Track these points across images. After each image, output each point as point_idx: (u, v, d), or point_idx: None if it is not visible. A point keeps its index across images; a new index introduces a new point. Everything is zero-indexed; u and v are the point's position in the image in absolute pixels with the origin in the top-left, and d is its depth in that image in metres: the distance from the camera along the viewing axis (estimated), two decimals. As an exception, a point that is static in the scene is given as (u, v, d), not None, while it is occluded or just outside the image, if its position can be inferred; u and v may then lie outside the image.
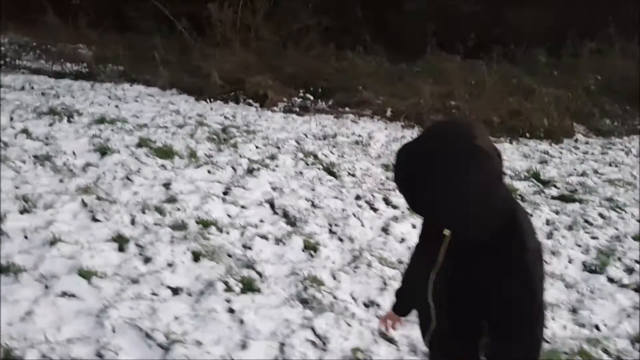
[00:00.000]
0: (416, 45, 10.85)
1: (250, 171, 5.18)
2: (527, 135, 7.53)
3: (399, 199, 4.65)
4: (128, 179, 4.71)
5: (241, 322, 3.04)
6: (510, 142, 7.27)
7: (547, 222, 4.66)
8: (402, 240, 4.14)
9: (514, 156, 6.63)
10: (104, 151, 5.24)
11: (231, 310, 3.14)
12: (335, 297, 3.35)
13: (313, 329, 3.02)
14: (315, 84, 8.69)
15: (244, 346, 2.85)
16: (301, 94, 8.63)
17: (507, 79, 8.60)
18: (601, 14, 10.74)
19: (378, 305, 3.32)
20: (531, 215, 4.08)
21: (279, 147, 5.99)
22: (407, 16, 11.06)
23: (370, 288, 3.48)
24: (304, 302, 3.28)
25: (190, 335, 2.88)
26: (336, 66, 9.14)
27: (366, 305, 3.33)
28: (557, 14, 11.18)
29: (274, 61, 9.09)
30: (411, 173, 1.18)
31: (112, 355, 2.69)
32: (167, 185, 4.68)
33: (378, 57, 9.72)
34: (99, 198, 4.30)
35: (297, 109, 8.10)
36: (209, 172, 5.08)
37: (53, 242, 3.59)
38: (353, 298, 3.38)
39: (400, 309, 1.83)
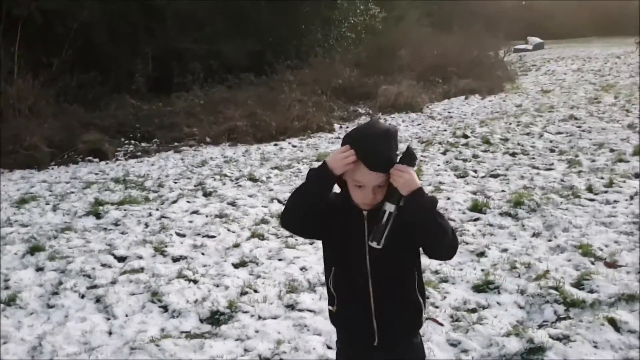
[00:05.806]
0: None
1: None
2: (312, 131, 10.46)
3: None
4: None
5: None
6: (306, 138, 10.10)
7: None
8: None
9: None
10: None
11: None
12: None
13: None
14: (134, 130, 9.87)
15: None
16: (126, 141, 9.69)
17: (275, 95, 11.47)
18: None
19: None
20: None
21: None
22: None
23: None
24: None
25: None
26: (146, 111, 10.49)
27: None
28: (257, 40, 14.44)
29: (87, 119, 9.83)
30: (376, 143, 1.81)
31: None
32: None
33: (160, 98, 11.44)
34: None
35: (139, 153, 9.25)
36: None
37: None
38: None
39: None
